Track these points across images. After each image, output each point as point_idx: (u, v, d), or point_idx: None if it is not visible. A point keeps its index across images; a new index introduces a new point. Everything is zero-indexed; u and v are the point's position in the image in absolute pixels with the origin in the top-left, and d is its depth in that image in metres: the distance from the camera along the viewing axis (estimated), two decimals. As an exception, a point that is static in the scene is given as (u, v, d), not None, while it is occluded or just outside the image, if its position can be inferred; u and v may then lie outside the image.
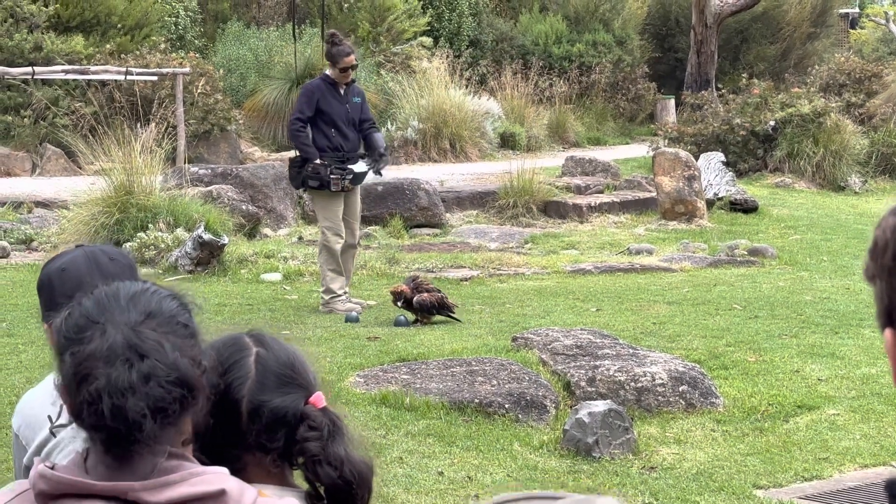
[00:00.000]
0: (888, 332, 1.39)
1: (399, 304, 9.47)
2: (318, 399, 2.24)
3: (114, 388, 1.86)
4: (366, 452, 2.27)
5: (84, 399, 1.88)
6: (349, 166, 9.74)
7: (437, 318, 9.48)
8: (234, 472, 2.03)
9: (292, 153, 10.08)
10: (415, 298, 9.37)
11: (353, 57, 9.86)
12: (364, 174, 9.90)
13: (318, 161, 9.63)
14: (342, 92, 9.86)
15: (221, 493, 1.93)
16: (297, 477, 2.25)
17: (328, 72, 9.95)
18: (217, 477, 1.95)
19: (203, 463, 2.00)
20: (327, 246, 9.80)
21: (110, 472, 1.91)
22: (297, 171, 9.83)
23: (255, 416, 2.19)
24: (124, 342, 1.90)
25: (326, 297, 9.82)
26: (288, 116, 10.40)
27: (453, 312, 9.52)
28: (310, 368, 2.29)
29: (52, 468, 1.94)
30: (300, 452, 2.20)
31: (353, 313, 9.55)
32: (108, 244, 3.00)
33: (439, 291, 9.54)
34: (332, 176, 9.63)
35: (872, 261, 1.40)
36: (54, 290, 2.68)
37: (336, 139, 9.76)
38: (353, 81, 9.97)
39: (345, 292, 9.92)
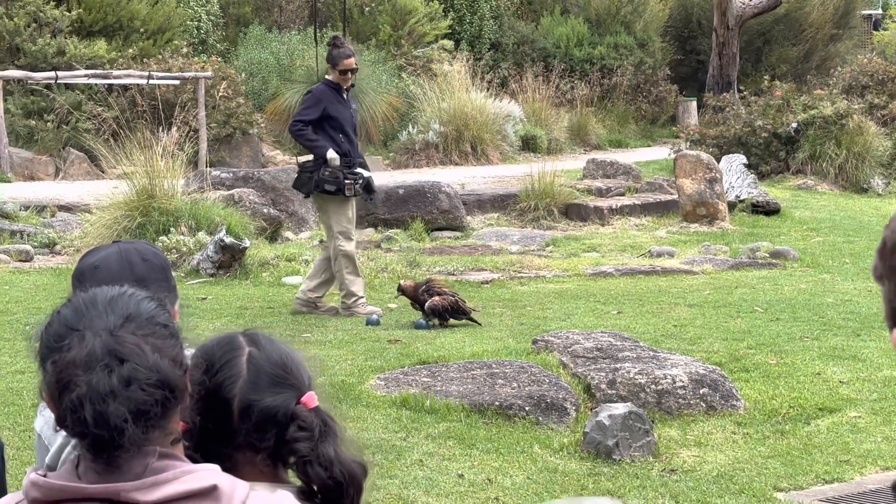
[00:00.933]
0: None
1: (398, 295, 9.68)
2: (310, 399, 2.25)
3: (95, 394, 1.87)
4: (358, 452, 2.28)
5: (67, 407, 1.89)
6: (358, 171, 9.72)
7: (457, 321, 9.46)
8: (226, 471, 2.03)
9: (304, 158, 9.96)
10: (427, 303, 9.37)
11: (353, 60, 9.84)
12: (369, 178, 9.86)
13: (331, 156, 9.57)
14: (345, 97, 9.86)
15: (213, 489, 1.95)
16: (293, 474, 2.27)
17: (329, 76, 9.91)
18: (208, 474, 1.97)
19: (195, 462, 2.02)
20: (343, 250, 9.72)
21: (101, 477, 1.92)
22: (308, 175, 9.70)
23: (246, 416, 2.21)
24: (103, 347, 1.91)
25: (347, 301, 9.82)
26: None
27: (470, 316, 9.48)
28: (304, 369, 2.30)
29: (45, 476, 1.96)
30: (290, 452, 2.21)
31: (374, 316, 9.56)
32: (146, 242, 3.01)
33: (453, 295, 9.48)
34: (346, 181, 9.61)
35: (881, 261, 1.41)
36: (85, 287, 2.70)
37: (345, 145, 9.72)
38: (353, 86, 9.98)
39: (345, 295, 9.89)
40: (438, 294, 9.38)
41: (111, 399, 1.87)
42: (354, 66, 9.88)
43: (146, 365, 1.91)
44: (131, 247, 2.85)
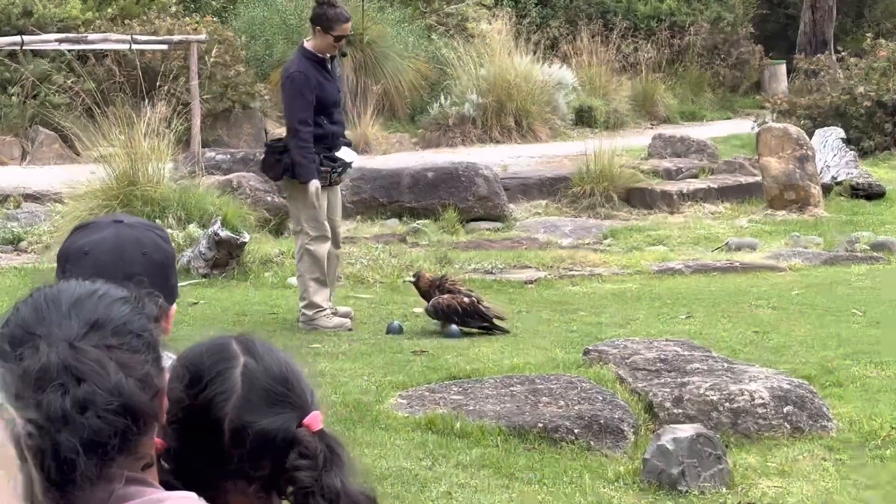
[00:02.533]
0: None
1: (405, 280, 9.91)
2: (314, 421, 2.24)
3: (44, 419, 1.87)
4: (368, 483, 2.29)
5: None
6: (337, 154, 9.54)
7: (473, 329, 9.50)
8: (212, 500, 2.05)
9: (275, 135, 9.82)
10: (430, 301, 9.39)
11: (349, 25, 9.59)
12: (351, 164, 9.72)
13: (311, 190, 9.34)
14: (328, 68, 9.54)
15: None
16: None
17: (309, 45, 9.53)
18: (182, 502, 2.00)
19: (172, 488, 2.04)
20: (310, 250, 9.50)
21: None
22: (276, 158, 9.48)
23: (239, 439, 2.19)
24: (59, 363, 1.91)
25: (309, 313, 9.59)
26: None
27: (490, 321, 9.47)
28: (306, 384, 2.29)
29: None
30: (289, 481, 2.21)
31: (396, 323, 9.58)
32: (151, 226, 2.95)
33: (468, 296, 9.48)
34: (321, 168, 9.42)
35: None
36: (66, 271, 2.68)
37: (328, 127, 9.49)
38: (345, 54, 9.77)
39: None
40: (449, 291, 9.37)
41: (62, 426, 1.88)
42: (350, 31, 9.72)
43: (106, 387, 1.91)
44: (132, 234, 2.79)
